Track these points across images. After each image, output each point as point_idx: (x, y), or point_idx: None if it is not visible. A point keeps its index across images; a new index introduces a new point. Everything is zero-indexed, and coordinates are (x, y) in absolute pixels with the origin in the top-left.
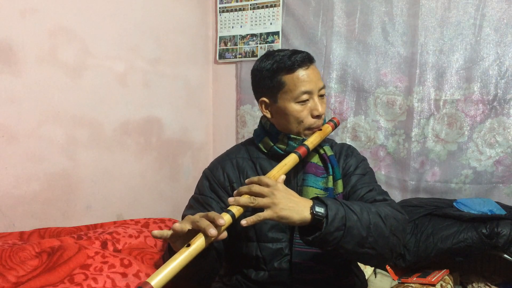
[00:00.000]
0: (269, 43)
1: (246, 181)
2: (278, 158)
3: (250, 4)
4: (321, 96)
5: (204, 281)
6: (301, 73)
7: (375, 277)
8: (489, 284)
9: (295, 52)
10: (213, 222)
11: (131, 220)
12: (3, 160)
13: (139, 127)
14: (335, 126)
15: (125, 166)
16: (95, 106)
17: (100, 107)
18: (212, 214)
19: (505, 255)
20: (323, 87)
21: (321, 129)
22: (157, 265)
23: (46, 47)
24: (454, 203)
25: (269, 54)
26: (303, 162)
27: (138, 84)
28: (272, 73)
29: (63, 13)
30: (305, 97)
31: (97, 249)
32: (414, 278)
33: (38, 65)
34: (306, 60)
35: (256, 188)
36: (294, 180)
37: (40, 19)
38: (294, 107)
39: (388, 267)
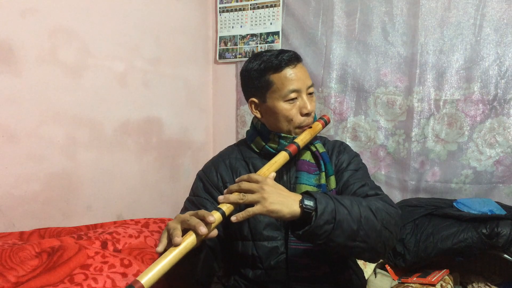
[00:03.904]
0: (269, 43)
1: (236, 179)
2: (270, 157)
3: (250, 4)
4: (310, 94)
5: (202, 280)
6: (289, 71)
7: (375, 277)
8: (489, 284)
9: (282, 51)
10: (203, 220)
11: (131, 220)
12: (3, 160)
13: (139, 127)
14: (326, 123)
15: (125, 166)
16: (95, 106)
17: (100, 107)
18: (202, 212)
19: (505, 255)
20: (312, 85)
21: (311, 127)
22: None
23: (46, 47)
24: (454, 203)
25: (257, 55)
26: (296, 159)
27: (138, 84)
28: (259, 73)
29: (63, 13)
30: (293, 95)
31: (97, 249)
32: (414, 278)
33: (38, 65)
34: (293, 59)
35: (245, 184)
36: (287, 178)
37: (40, 19)
38: (283, 106)
39: (388, 267)
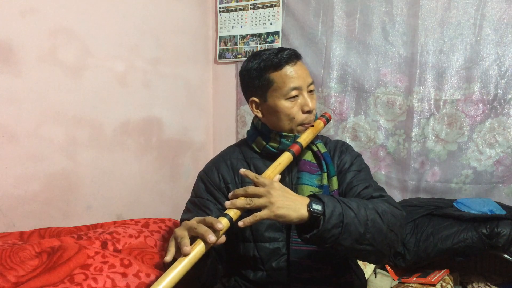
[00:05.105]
0: (269, 43)
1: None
2: (271, 157)
3: (250, 4)
4: (311, 91)
5: (207, 283)
6: (289, 69)
7: (375, 277)
8: (489, 284)
9: (281, 49)
10: (211, 227)
11: (131, 220)
12: (3, 160)
13: (139, 127)
14: (327, 121)
15: (125, 166)
16: (95, 106)
17: (100, 107)
18: (210, 219)
19: (505, 255)
20: (312, 83)
21: (313, 125)
22: (157, 265)
23: (46, 47)
24: (454, 203)
25: (256, 54)
26: (297, 160)
27: (138, 84)
28: (259, 72)
29: (63, 13)
30: (294, 93)
31: (97, 249)
32: (414, 278)
33: (38, 65)
34: (292, 56)
35: (252, 189)
36: (289, 179)
37: (40, 19)
38: (284, 104)
39: (388, 267)
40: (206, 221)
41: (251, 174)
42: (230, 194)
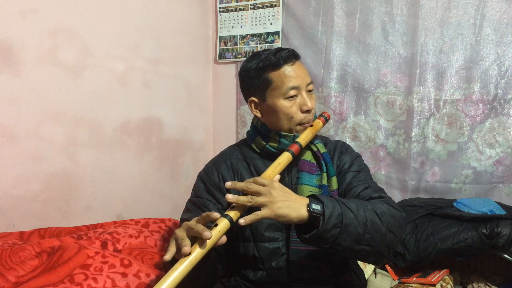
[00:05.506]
0: (269, 43)
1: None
2: (271, 157)
3: (250, 4)
4: (310, 91)
5: (207, 283)
6: (287, 69)
7: (375, 277)
8: (489, 284)
9: (280, 49)
10: (207, 222)
11: (131, 220)
12: (3, 160)
13: (139, 127)
14: (326, 120)
15: (125, 166)
16: (95, 106)
17: (100, 107)
18: (205, 214)
19: (505, 255)
20: (311, 83)
21: (312, 125)
22: (157, 265)
23: (46, 47)
24: (454, 203)
25: (255, 55)
26: (297, 160)
27: (138, 84)
28: (258, 72)
29: (63, 13)
30: (293, 92)
31: (97, 249)
32: (414, 278)
33: (38, 65)
34: (291, 56)
35: (254, 186)
36: (289, 179)
37: (40, 19)
38: (283, 103)
39: (388, 267)
40: (202, 216)
41: (249, 180)
42: (228, 183)
